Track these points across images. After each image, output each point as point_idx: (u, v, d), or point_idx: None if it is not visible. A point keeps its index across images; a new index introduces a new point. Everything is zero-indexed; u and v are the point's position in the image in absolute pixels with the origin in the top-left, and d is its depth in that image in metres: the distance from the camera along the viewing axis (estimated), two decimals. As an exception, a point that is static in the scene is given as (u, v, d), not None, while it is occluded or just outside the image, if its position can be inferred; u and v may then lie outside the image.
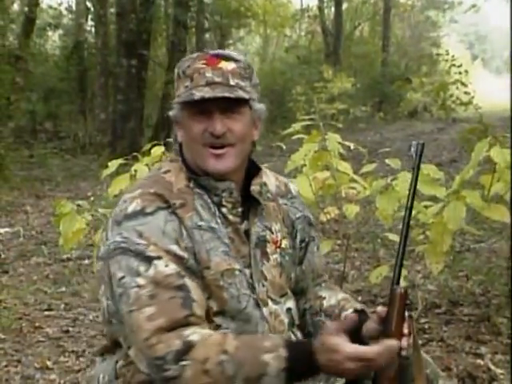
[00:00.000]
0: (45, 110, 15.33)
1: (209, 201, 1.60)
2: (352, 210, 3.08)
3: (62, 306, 4.39)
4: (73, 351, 3.61)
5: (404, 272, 3.08)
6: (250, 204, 1.67)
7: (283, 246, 1.72)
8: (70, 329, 3.96)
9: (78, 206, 2.70)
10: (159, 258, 1.48)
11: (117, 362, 1.61)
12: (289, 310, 1.73)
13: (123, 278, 1.47)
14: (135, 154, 2.85)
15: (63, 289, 4.77)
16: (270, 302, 1.66)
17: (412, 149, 1.70)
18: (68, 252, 5.22)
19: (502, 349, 3.34)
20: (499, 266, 4.68)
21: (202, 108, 1.57)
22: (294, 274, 1.77)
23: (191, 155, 1.63)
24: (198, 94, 1.54)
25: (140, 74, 12.67)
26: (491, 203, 2.66)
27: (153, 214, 1.52)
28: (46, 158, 12.35)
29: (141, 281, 1.46)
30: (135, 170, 2.71)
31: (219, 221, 1.60)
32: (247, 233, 1.65)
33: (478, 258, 5.07)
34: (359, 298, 4.31)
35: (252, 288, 1.62)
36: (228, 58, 1.61)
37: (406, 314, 1.59)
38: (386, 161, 3.07)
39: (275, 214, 1.74)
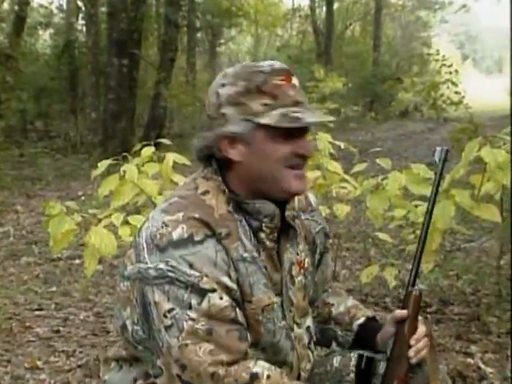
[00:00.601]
0: (35, 109, 15.26)
1: (247, 227, 1.52)
2: (343, 209, 3.08)
3: (53, 305, 4.38)
4: (63, 351, 3.60)
5: (395, 271, 3.11)
6: (281, 227, 1.59)
7: (306, 265, 1.68)
8: (61, 329, 3.94)
9: (67, 207, 2.69)
10: (213, 290, 1.41)
11: (135, 379, 1.56)
12: (308, 328, 1.70)
13: (172, 310, 1.39)
14: (125, 154, 2.84)
15: (54, 288, 4.76)
16: (295, 327, 1.63)
17: (436, 154, 1.70)
18: (58, 252, 5.20)
19: (492, 348, 3.35)
20: (489, 265, 4.70)
21: (289, 130, 1.47)
22: (312, 290, 1.73)
23: (261, 177, 1.50)
24: (308, 120, 1.46)
25: (131, 74, 12.63)
26: (481, 203, 2.67)
27: (202, 243, 1.43)
28: (36, 157, 12.30)
29: (193, 314, 1.39)
30: (124, 171, 2.70)
31: (255, 248, 1.53)
32: (279, 259, 1.59)
33: (468, 257, 5.09)
34: (350, 298, 4.32)
35: (283, 317, 1.58)
36: (291, 72, 1.53)
37: (423, 316, 1.61)
38: (377, 160, 3.08)
39: (299, 231, 1.67)
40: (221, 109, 1.49)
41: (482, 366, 3.13)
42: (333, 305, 1.82)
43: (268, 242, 1.55)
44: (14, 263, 5.50)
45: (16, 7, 14.55)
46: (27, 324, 4.01)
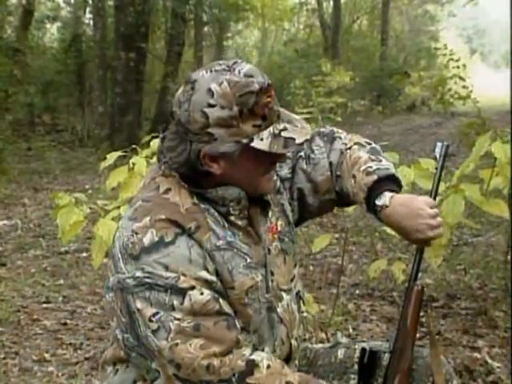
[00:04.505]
0: (43, 102, 15.26)
1: (216, 214, 1.53)
2: (350, 203, 3.07)
3: (60, 298, 4.40)
4: (70, 344, 3.63)
5: (402, 266, 3.10)
6: (251, 202, 1.59)
7: (279, 228, 1.67)
8: (68, 321, 3.97)
9: (76, 198, 2.69)
10: (192, 288, 1.41)
11: (135, 381, 1.57)
12: (297, 293, 1.71)
13: (157, 313, 1.41)
14: (134, 146, 2.84)
15: (61, 281, 4.78)
16: (284, 295, 1.64)
17: (437, 149, 1.70)
18: (66, 245, 5.22)
19: (499, 342, 3.35)
20: (496, 259, 4.69)
21: (266, 152, 1.48)
22: (296, 249, 1.73)
23: (238, 185, 1.52)
24: (299, 140, 1.47)
25: (138, 67, 12.63)
26: (490, 198, 2.65)
27: (174, 243, 1.43)
28: (43, 150, 12.32)
29: (178, 314, 1.40)
30: (133, 163, 2.70)
31: (229, 232, 1.53)
32: (256, 231, 1.59)
33: (475, 251, 5.09)
34: (357, 292, 4.32)
35: (267, 289, 1.58)
36: (271, 83, 1.49)
37: (423, 310, 1.62)
38: (384, 154, 3.07)
39: (270, 202, 1.67)
40: (208, 129, 1.45)
41: (489, 360, 3.13)
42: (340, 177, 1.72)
43: (240, 222, 1.56)
44: (22, 256, 5.52)
45: (23, 1, 14.54)
46: (35, 317, 4.03)
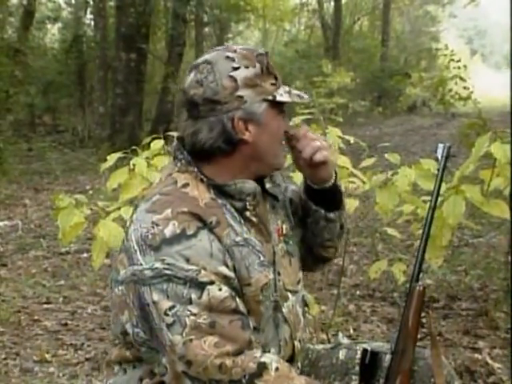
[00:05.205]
0: (43, 103, 15.29)
1: (232, 210, 1.53)
2: (351, 204, 3.07)
3: (61, 299, 4.40)
4: (71, 344, 3.63)
5: (403, 267, 3.10)
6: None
7: (285, 232, 1.69)
8: (69, 322, 3.97)
9: (76, 199, 2.68)
10: (212, 282, 1.41)
11: (141, 379, 1.56)
12: (303, 297, 1.72)
13: (173, 307, 1.39)
14: (134, 147, 2.84)
15: (62, 282, 4.78)
16: (289, 295, 1.64)
17: (438, 151, 1.71)
18: (66, 245, 5.22)
19: (500, 343, 3.35)
20: (497, 260, 4.69)
21: (282, 108, 1.59)
22: (300, 252, 1.74)
23: (265, 156, 1.57)
24: (305, 96, 1.62)
25: (139, 68, 12.64)
26: (490, 198, 2.65)
27: (196, 236, 1.43)
28: (44, 151, 12.32)
29: (194, 309, 1.39)
30: (134, 164, 2.69)
31: (245, 228, 1.54)
32: (266, 230, 1.61)
33: (476, 252, 5.09)
34: (357, 292, 4.32)
35: (275, 288, 1.59)
36: None
37: (424, 311, 1.63)
38: (386, 155, 3.07)
39: (280, 200, 1.71)
40: (237, 92, 1.51)
41: (490, 361, 3.13)
42: None
43: (254, 219, 1.57)
44: (23, 257, 5.53)
45: (24, 1, 14.56)
46: (35, 317, 4.03)
